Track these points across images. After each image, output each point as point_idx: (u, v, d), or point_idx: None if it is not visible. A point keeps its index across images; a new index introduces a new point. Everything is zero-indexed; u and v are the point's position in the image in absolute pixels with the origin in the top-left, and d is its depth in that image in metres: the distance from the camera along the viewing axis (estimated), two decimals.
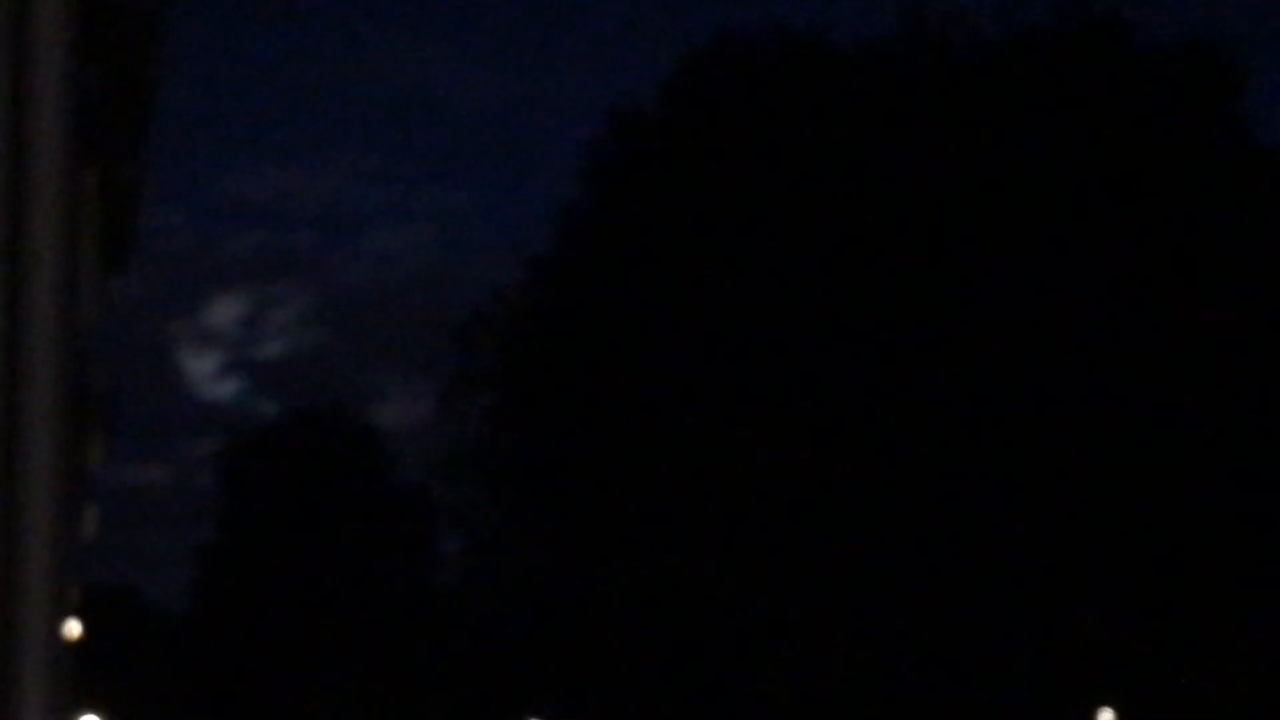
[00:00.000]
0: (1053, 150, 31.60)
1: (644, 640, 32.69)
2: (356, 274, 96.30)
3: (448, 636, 48.87)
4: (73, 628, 20.67)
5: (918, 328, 31.10)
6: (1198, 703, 29.93)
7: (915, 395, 30.81)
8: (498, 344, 35.38)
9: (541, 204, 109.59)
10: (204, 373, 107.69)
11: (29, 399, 6.50)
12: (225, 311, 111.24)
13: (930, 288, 31.23)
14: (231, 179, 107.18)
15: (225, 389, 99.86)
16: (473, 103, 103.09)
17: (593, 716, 33.88)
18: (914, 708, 30.87)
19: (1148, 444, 30.44)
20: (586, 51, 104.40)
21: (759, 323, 31.66)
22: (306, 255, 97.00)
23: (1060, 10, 32.97)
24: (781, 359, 31.50)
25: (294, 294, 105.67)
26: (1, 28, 6.54)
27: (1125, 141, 31.67)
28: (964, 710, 30.67)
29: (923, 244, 31.36)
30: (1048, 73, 32.10)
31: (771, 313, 31.69)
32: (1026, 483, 30.55)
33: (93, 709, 31.05)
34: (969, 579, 30.61)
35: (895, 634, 30.84)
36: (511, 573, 35.46)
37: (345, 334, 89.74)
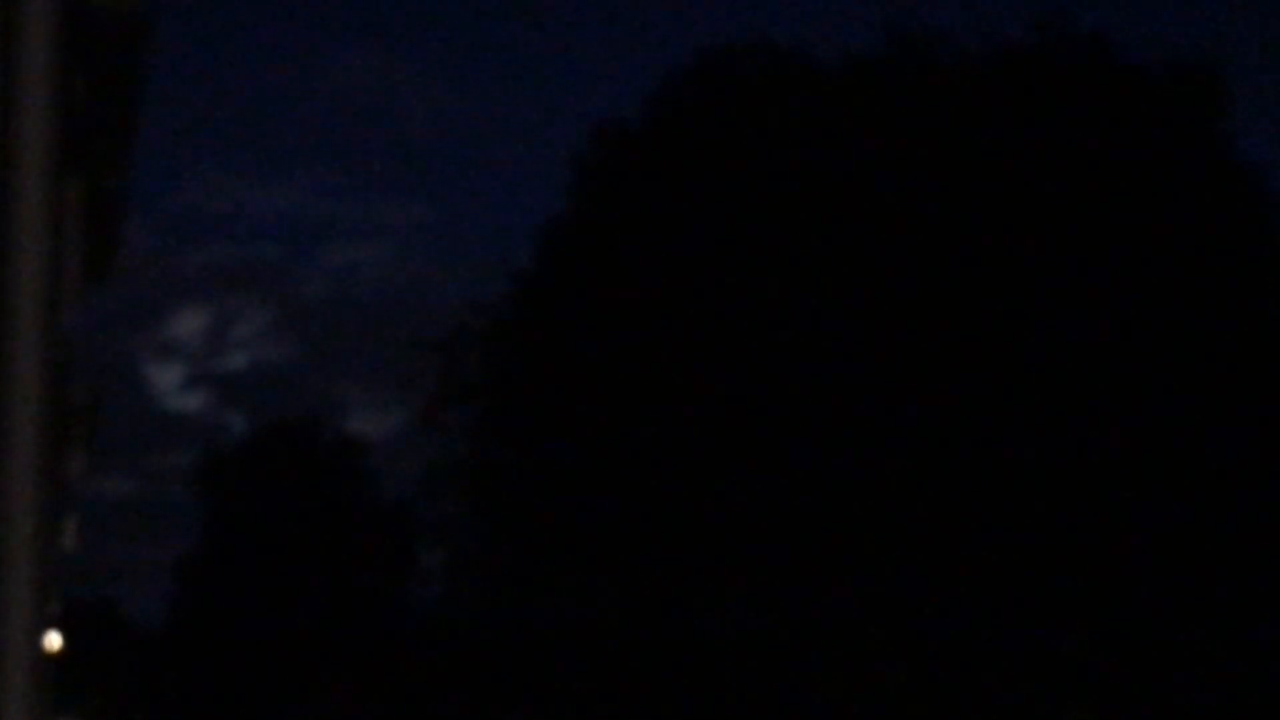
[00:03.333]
0: (1037, 168, 31.65)
1: (628, 655, 32.65)
2: (318, 287, 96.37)
3: (429, 650, 48.76)
4: (53, 640, 20.57)
5: (905, 342, 31.12)
6: (1182, 714, 29.95)
7: (900, 414, 30.83)
8: (480, 358, 35.35)
9: (502, 218, 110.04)
10: (169, 385, 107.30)
11: (12, 410, 6.45)
12: (188, 324, 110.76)
13: (916, 304, 31.26)
14: (188, 190, 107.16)
15: (191, 401, 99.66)
16: (429, 117, 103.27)
17: None
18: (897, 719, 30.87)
19: (1132, 455, 30.48)
20: (547, 67, 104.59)
21: (744, 335, 31.67)
22: (267, 268, 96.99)
23: (1044, 29, 33.03)
24: (767, 370, 31.51)
25: (256, 307, 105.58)
26: None
27: (1110, 159, 31.72)
28: None
29: (909, 261, 31.39)
30: (1032, 91, 32.16)
31: (756, 325, 31.70)
32: (1015, 493, 30.57)
33: None
34: (957, 589, 30.62)
35: (880, 646, 30.83)
36: (494, 587, 35.39)
37: (309, 347, 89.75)
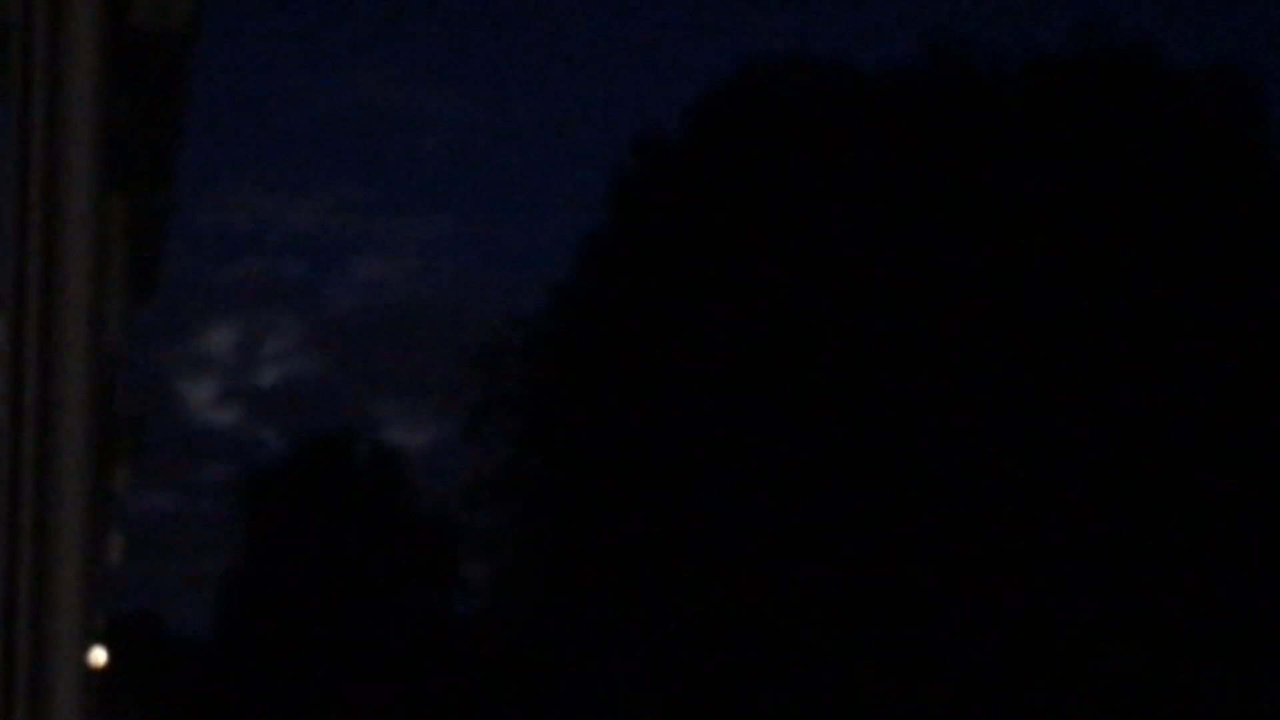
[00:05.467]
0: (1076, 176, 31.58)
1: (669, 667, 32.64)
2: (347, 302, 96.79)
3: (472, 664, 48.80)
4: (98, 655, 20.66)
5: (939, 352, 31.08)
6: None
7: (930, 426, 30.78)
8: (520, 371, 35.41)
9: (528, 230, 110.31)
10: (202, 400, 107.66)
11: (61, 426, 6.51)
12: (219, 340, 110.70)
13: (955, 315, 31.21)
14: (214, 207, 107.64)
15: (225, 416, 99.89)
16: (455, 131, 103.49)
17: None
18: None
19: (1149, 463, 30.38)
20: (574, 79, 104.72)
21: (783, 348, 31.66)
22: (296, 283, 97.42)
23: (1083, 36, 32.96)
24: (804, 384, 31.49)
25: (286, 322, 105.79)
26: (36, 58, 6.58)
27: (1148, 167, 31.63)
28: None
29: (949, 271, 31.35)
30: (1071, 98, 32.09)
31: (795, 338, 31.69)
32: (1023, 502, 30.51)
33: None
34: (966, 597, 30.57)
35: (897, 658, 30.78)
36: (536, 600, 35.42)
37: (340, 361, 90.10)
